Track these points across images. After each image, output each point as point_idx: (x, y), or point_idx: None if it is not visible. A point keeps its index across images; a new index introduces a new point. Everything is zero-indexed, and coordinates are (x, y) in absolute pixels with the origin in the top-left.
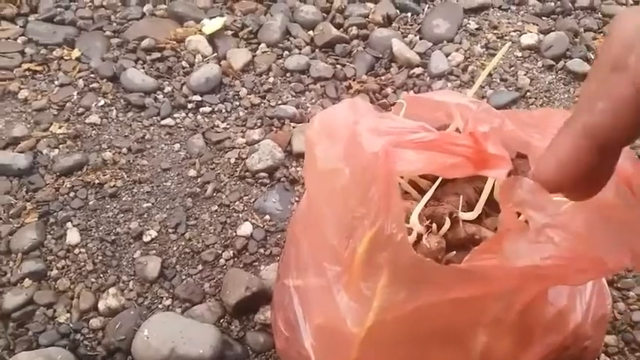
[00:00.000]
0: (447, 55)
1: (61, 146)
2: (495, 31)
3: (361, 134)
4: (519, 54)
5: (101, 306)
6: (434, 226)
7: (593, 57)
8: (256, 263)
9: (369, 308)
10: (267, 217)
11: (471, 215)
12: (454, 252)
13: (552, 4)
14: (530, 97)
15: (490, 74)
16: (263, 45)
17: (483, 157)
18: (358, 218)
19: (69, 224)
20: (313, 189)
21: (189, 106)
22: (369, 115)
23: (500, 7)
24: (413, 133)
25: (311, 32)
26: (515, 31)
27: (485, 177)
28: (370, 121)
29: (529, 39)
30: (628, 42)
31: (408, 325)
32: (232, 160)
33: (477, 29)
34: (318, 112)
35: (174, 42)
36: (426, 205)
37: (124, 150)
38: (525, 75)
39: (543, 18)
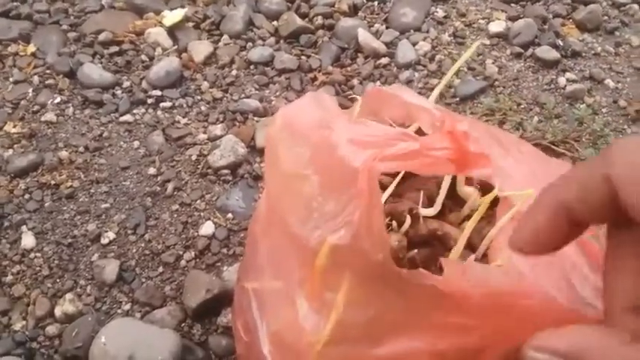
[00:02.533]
0: (414, 45)
1: (15, 146)
2: (463, 19)
3: (340, 146)
4: (487, 42)
5: (57, 312)
6: (394, 223)
7: (561, 43)
8: (219, 264)
9: (328, 317)
10: (230, 215)
11: (431, 211)
12: (416, 250)
13: None
14: (498, 86)
15: None
16: (225, 36)
17: (465, 158)
18: (325, 227)
19: (24, 227)
20: (275, 190)
21: (149, 101)
22: (341, 120)
23: None
24: (394, 144)
25: (275, 23)
26: (483, 18)
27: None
28: (346, 129)
29: (497, 27)
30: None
31: (367, 337)
32: (193, 157)
33: (444, 17)
34: (282, 107)
35: (133, 35)
36: (385, 202)
37: (81, 149)
38: (493, 63)
39: (512, 5)
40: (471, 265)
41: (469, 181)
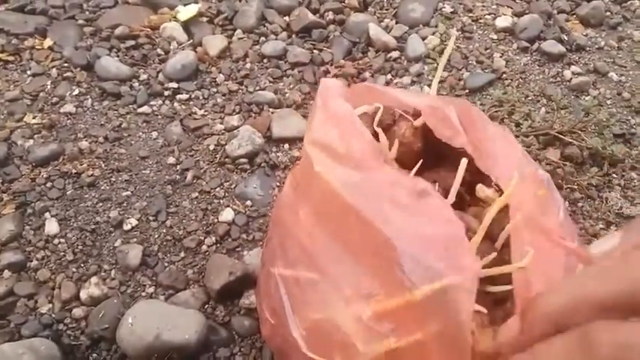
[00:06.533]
0: (424, 39)
1: (35, 136)
2: (470, 15)
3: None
4: (494, 36)
5: (83, 295)
6: None
7: (566, 38)
8: (239, 249)
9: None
10: (249, 202)
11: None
12: None
13: None
14: (506, 79)
15: (466, 56)
16: (239, 31)
17: None
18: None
19: (47, 214)
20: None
21: (166, 93)
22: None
23: None
24: None
25: (287, 18)
26: (489, 14)
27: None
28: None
29: (504, 22)
30: None
31: None
32: (211, 147)
33: (452, 13)
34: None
35: (149, 29)
36: None
37: (101, 139)
38: (501, 57)
39: (517, 1)
40: None
41: (488, 183)
